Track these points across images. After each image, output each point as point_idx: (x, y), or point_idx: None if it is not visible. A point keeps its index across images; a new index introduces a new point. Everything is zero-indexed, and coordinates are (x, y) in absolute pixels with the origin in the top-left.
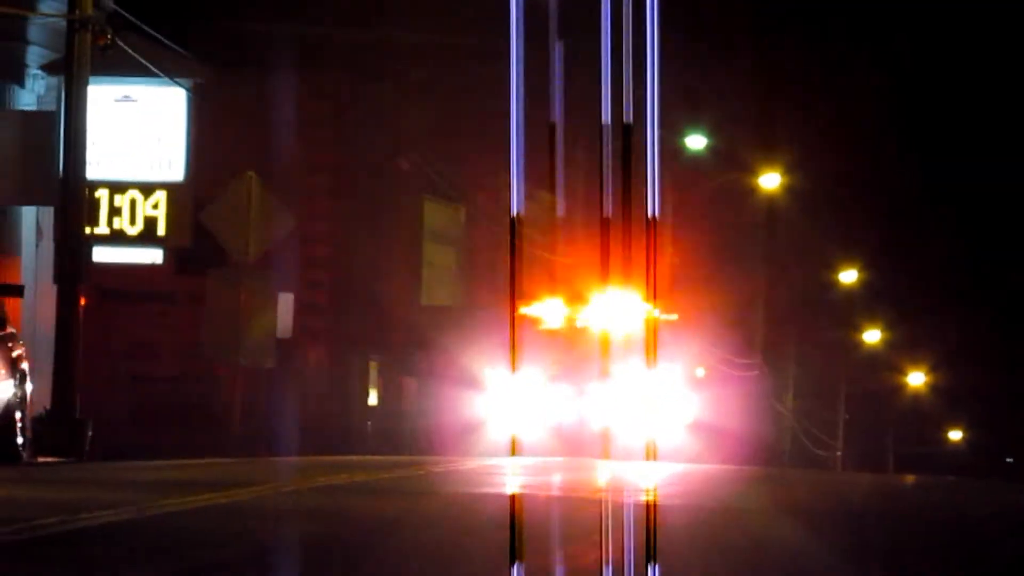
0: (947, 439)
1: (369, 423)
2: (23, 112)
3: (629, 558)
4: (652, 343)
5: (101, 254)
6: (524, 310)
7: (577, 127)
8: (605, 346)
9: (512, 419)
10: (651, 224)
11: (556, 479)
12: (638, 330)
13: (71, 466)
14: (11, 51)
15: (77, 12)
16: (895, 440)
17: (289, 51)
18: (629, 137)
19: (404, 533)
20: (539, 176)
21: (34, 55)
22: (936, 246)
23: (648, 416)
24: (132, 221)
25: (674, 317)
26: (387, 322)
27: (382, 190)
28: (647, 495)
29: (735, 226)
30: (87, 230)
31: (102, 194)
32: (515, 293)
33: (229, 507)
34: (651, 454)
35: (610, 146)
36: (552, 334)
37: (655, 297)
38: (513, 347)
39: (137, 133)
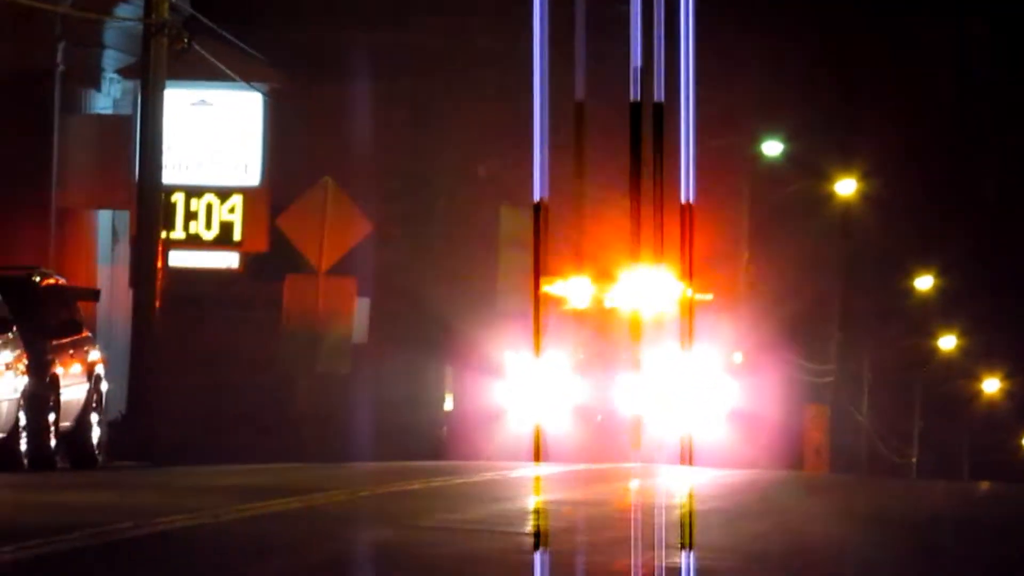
0: (1022, 446)
1: (445, 428)
2: (99, 116)
3: None
4: (688, 324)
5: (177, 259)
6: (548, 288)
7: (611, 106)
8: (636, 328)
9: (535, 409)
10: (687, 207)
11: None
12: (671, 311)
13: (145, 470)
14: (87, 55)
15: (153, 16)
16: (971, 447)
17: (365, 57)
18: (661, 116)
19: (482, 538)
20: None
21: (110, 59)
22: (1014, 253)
23: (683, 405)
24: (208, 226)
25: (709, 297)
26: (462, 327)
27: (459, 196)
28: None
29: (808, 230)
30: (163, 234)
31: (178, 198)
32: (539, 275)
33: (306, 512)
34: (687, 452)
35: (642, 126)
36: (579, 315)
37: (690, 276)
38: (537, 330)
39: (213, 137)
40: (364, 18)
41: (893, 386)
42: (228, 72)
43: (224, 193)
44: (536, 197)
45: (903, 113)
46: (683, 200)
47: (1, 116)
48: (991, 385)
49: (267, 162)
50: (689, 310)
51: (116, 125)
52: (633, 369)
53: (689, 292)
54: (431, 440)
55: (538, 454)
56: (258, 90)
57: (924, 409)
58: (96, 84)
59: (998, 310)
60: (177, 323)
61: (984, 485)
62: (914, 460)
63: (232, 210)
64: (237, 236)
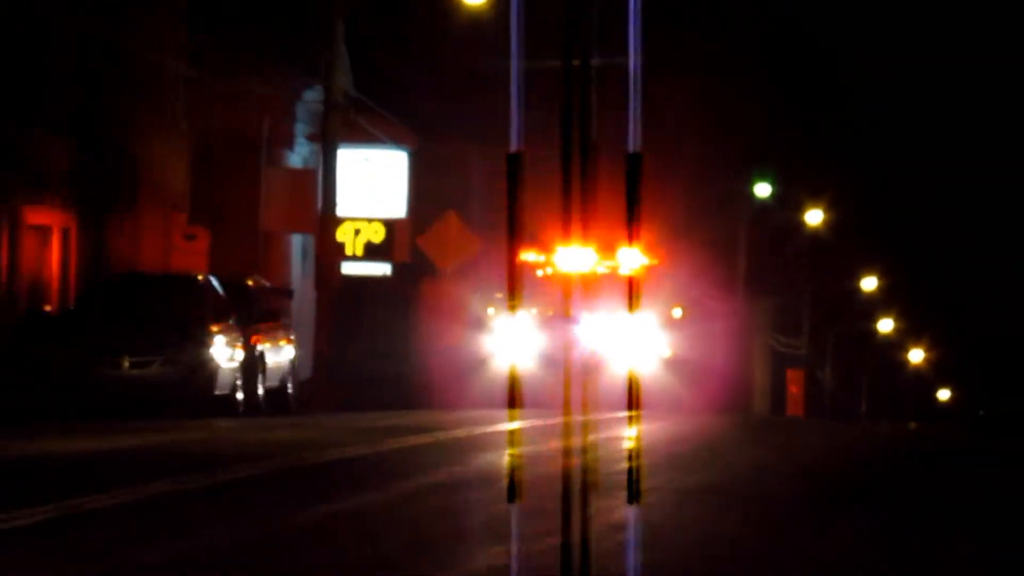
0: (937, 398)
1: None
2: (292, 169)
3: None
4: (634, 286)
5: (347, 268)
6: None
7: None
8: (587, 287)
9: (512, 354)
10: (634, 160)
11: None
12: (621, 271)
13: (325, 416)
14: (285, 126)
15: (330, 99)
16: (903, 399)
17: (474, 126)
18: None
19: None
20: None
21: (300, 129)
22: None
23: (630, 351)
24: (368, 244)
25: (655, 262)
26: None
27: None
28: None
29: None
30: (339, 250)
31: (348, 226)
32: (514, 235)
33: (434, 444)
34: (635, 384)
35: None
36: (547, 279)
37: (636, 232)
38: (512, 290)
39: (372, 183)
40: (470, 95)
41: (849, 356)
42: (381, 137)
43: (379, 221)
44: (512, 147)
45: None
46: (629, 150)
47: (225, 168)
48: (916, 355)
49: (409, 200)
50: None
51: (304, 176)
52: (590, 323)
53: (636, 255)
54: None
55: (513, 399)
56: (403, 149)
57: (870, 372)
58: (291, 146)
59: (921, 302)
60: (347, 313)
61: (912, 425)
62: (863, 408)
63: (386, 233)
64: (389, 252)
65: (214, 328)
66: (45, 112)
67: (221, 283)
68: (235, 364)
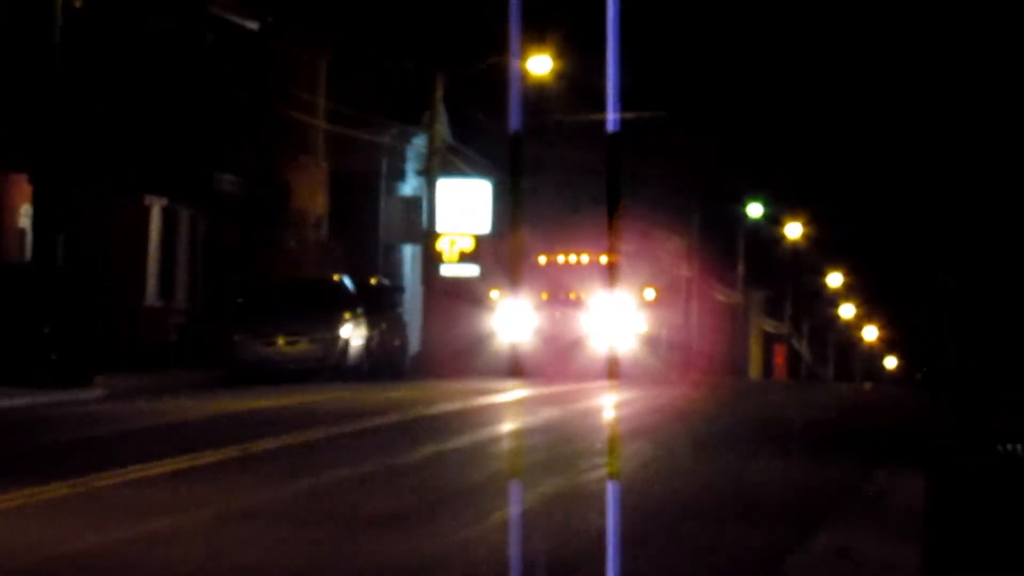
0: (884, 366)
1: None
2: (404, 197)
3: None
4: (610, 272)
5: (445, 270)
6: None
7: None
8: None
9: (512, 334)
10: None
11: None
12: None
13: (431, 382)
14: (399, 164)
15: (432, 145)
16: (861, 367)
17: (548, 162)
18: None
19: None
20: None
21: (410, 166)
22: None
23: (609, 329)
24: (462, 252)
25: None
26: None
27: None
28: None
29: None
30: (439, 256)
31: (446, 238)
32: (517, 233)
33: (513, 403)
34: (613, 361)
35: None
36: (546, 265)
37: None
38: (515, 276)
39: (464, 205)
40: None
41: (819, 334)
42: (470, 171)
43: (470, 235)
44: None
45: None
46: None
47: (354, 196)
48: (871, 333)
49: (494, 219)
50: (611, 260)
51: (413, 201)
52: (580, 306)
53: (615, 245)
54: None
55: (515, 370)
56: (488, 180)
57: (835, 346)
58: (403, 179)
59: (874, 293)
60: (446, 306)
61: (867, 385)
62: (831, 373)
63: (474, 245)
64: (477, 258)
65: (346, 315)
66: (226, 158)
67: (352, 282)
68: (362, 342)
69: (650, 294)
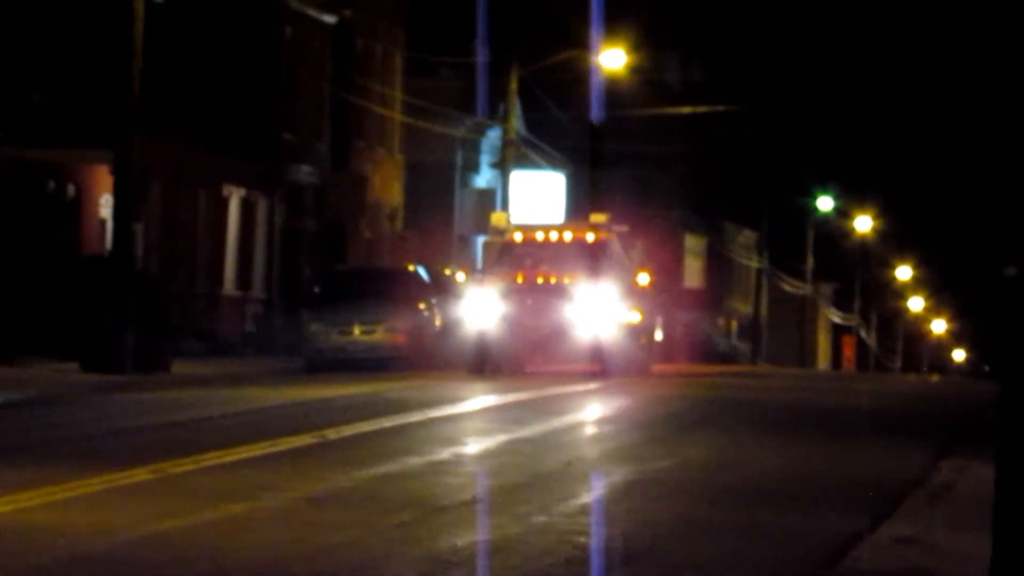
0: (952, 358)
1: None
2: (479, 189)
3: None
4: (592, 259)
5: None
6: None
7: None
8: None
9: (481, 321)
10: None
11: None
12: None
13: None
14: (473, 157)
15: (506, 138)
16: (929, 359)
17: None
18: None
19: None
20: None
21: (485, 159)
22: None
23: (594, 318)
24: None
25: (624, 228)
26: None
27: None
28: None
29: None
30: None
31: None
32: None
33: (584, 392)
34: (597, 349)
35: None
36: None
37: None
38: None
39: (538, 197)
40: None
41: (888, 326)
42: (544, 163)
43: None
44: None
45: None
46: (592, 120)
47: (429, 188)
48: (939, 325)
49: (568, 210)
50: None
51: (487, 193)
52: (560, 292)
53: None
54: None
55: (481, 363)
56: (560, 172)
57: (903, 338)
58: (477, 171)
59: (943, 286)
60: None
61: (934, 376)
62: (899, 365)
63: None
64: None
65: (420, 304)
66: (303, 149)
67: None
68: (436, 332)
69: (644, 279)
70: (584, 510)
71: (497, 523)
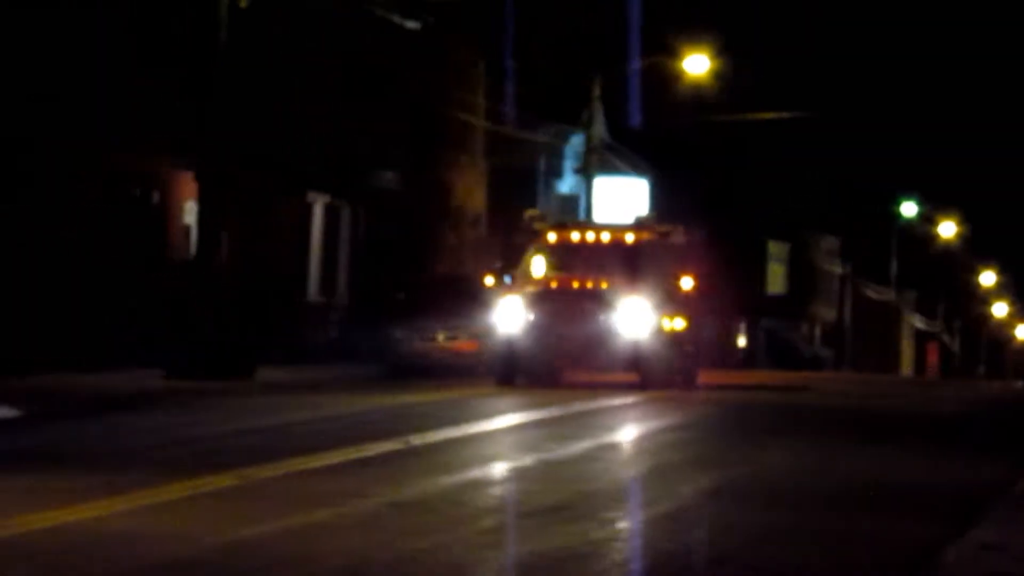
0: None
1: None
2: (561, 195)
3: None
4: (632, 261)
5: None
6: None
7: None
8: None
9: (510, 327)
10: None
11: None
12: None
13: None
14: (556, 163)
15: (589, 144)
16: (1013, 364)
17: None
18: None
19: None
20: None
21: (568, 164)
22: None
23: (633, 325)
24: None
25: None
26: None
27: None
28: None
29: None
30: None
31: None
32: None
33: (655, 399)
34: (636, 358)
35: None
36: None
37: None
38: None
39: (620, 202)
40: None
41: (971, 333)
42: (627, 169)
43: None
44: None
45: None
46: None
47: (512, 194)
48: (1022, 332)
49: (650, 214)
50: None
51: (571, 199)
52: (597, 297)
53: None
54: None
55: (509, 373)
56: (643, 178)
57: (987, 345)
58: (560, 177)
59: None
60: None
61: (1019, 383)
62: (982, 372)
63: None
64: None
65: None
66: (387, 156)
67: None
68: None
69: (687, 283)
70: (667, 516)
71: (581, 529)
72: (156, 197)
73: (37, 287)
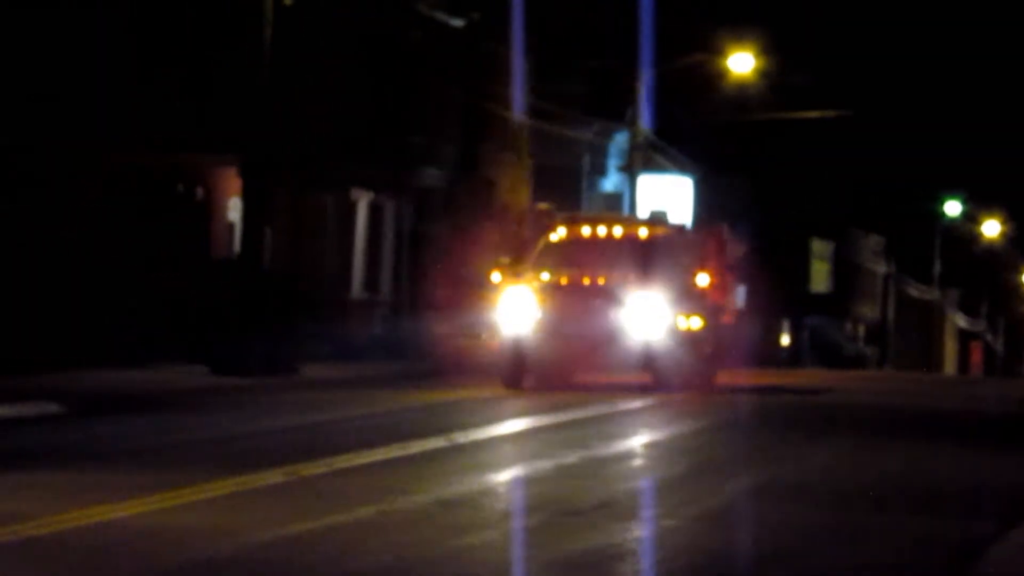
0: None
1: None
2: (605, 193)
3: None
4: (646, 257)
5: None
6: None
7: None
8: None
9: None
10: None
11: None
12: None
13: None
14: (600, 161)
15: (634, 142)
16: None
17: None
18: None
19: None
20: None
21: (612, 162)
22: None
23: (645, 323)
24: None
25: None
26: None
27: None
28: None
29: None
30: None
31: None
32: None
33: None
34: (649, 359)
35: None
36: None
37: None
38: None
39: (666, 201)
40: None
41: (1016, 333)
42: (671, 167)
43: None
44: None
45: None
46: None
47: (556, 191)
48: None
49: (696, 213)
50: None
51: (615, 197)
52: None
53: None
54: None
55: (516, 375)
56: (689, 176)
57: None
58: (604, 175)
59: None
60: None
61: None
62: None
63: None
64: None
65: None
66: (431, 153)
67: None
68: None
69: (704, 280)
70: (711, 514)
71: (627, 527)
72: (200, 194)
73: (80, 283)
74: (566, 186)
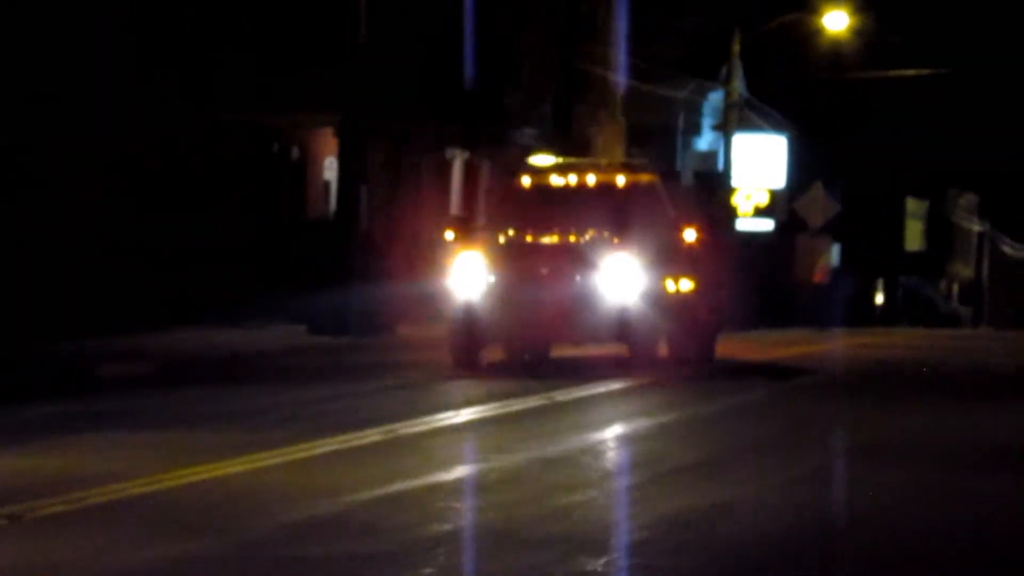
0: None
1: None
2: (701, 152)
3: None
4: (624, 210)
5: (740, 224)
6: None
7: None
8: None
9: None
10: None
11: None
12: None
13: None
14: (694, 120)
15: (728, 100)
16: None
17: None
18: None
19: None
20: None
21: (707, 121)
22: None
23: (622, 287)
24: (757, 207)
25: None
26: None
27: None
28: None
29: None
30: (734, 211)
31: (741, 193)
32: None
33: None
34: (624, 329)
35: None
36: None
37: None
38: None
39: (761, 161)
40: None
41: None
42: (766, 126)
43: (765, 190)
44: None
45: None
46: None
47: (651, 150)
48: None
49: (789, 174)
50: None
51: (709, 156)
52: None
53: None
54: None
55: (468, 349)
56: (783, 135)
57: None
58: (699, 134)
59: None
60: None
61: None
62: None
63: (769, 199)
64: (772, 212)
65: None
66: (531, 114)
67: None
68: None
69: (692, 236)
70: (804, 477)
71: (720, 487)
72: (295, 153)
73: (181, 245)
74: (660, 145)
